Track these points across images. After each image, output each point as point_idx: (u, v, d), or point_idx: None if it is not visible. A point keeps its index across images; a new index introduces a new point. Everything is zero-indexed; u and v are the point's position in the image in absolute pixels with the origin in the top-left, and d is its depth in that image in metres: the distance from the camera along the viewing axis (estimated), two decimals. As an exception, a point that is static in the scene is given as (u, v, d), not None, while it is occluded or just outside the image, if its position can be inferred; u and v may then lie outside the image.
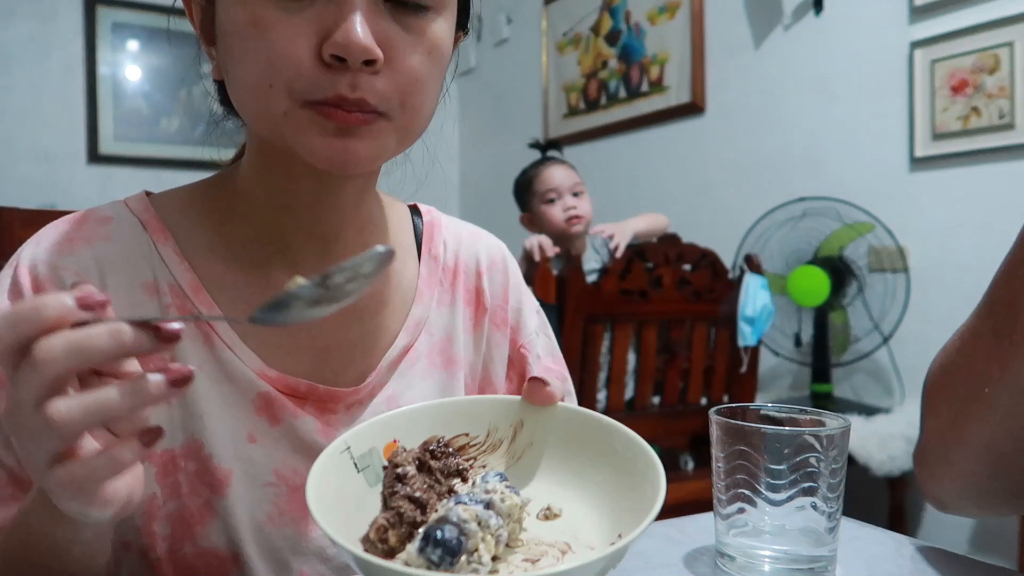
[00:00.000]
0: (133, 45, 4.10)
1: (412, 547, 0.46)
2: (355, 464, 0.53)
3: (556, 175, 2.55)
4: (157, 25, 4.12)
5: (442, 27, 0.64)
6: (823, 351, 2.65)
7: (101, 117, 4.01)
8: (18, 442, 0.44)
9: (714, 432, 0.64)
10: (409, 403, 0.71)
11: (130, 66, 4.10)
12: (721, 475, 0.63)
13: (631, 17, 3.70)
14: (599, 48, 3.89)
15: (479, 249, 0.85)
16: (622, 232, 2.43)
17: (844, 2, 2.77)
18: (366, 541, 0.48)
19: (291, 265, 0.71)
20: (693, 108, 3.36)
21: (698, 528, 0.72)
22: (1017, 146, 2.29)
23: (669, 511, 0.80)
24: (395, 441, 0.56)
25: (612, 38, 3.82)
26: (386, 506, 0.50)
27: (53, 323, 0.41)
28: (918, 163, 2.55)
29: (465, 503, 0.48)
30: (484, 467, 0.60)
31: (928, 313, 2.49)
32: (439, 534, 0.45)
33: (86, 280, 0.45)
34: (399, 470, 0.51)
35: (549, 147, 2.73)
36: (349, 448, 0.53)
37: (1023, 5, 2.23)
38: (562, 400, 0.62)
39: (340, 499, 0.50)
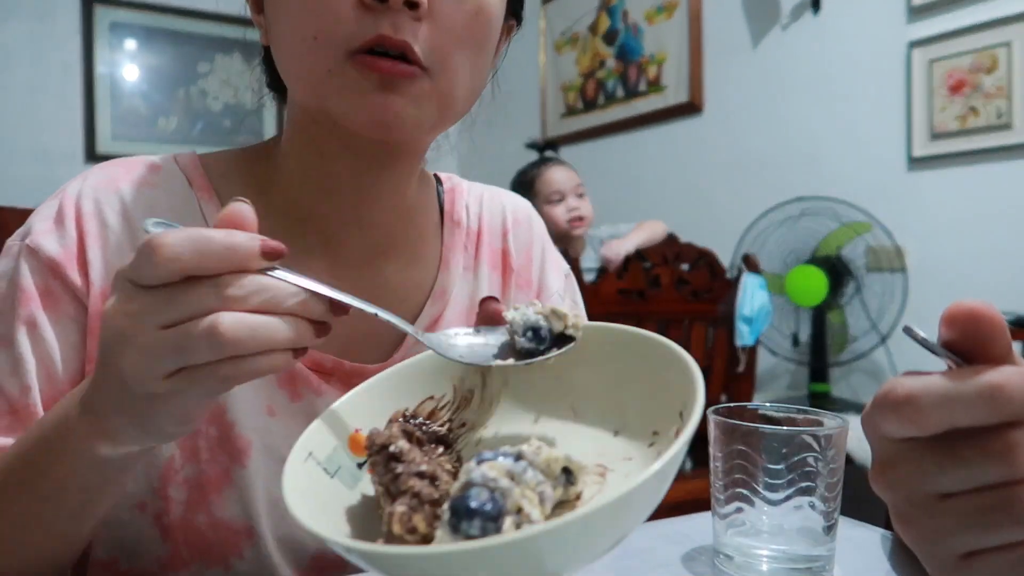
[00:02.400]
0: (131, 44, 4.10)
1: (441, 531, 0.38)
2: (325, 470, 0.47)
3: (560, 176, 2.56)
4: (155, 25, 4.12)
5: None
6: (821, 351, 2.65)
7: (99, 116, 4.00)
8: (140, 351, 0.42)
9: (712, 432, 0.63)
10: None
11: (128, 65, 4.09)
12: (719, 475, 0.63)
13: (629, 17, 3.70)
14: (597, 48, 3.89)
15: (504, 207, 0.84)
16: (618, 252, 2.40)
17: (842, 2, 2.77)
18: (392, 539, 0.41)
19: (330, 251, 0.70)
20: (691, 108, 3.37)
21: (696, 528, 0.72)
22: (1014, 146, 2.30)
23: (667, 510, 0.80)
24: (357, 431, 0.49)
25: (610, 37, 3.82)
26: (390, 493, 0.43)
27: (238, 265, 0.42)
28: (916, 163, 2.56)
29: (490, 459, 0.40)
30: (463, 425, 0.53)
31: (926, 313, 2.49)
32: (470, 503, 0.37)
33: (245, 200, 0.46)
34: (391, 448, 0.44)
35: (547, 147, 2.73)
36: (312, 454, 0.46)
37: (1021, 5, 2.23)
38: None
39: (325, 508, 0.44)
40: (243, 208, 0.45)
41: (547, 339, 0.49)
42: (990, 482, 0.37)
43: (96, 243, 0.64)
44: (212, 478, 0.64)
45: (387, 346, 0.72)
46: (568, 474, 0.42)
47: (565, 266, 0.87)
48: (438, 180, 0.83)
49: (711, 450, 0.64)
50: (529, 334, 0.49)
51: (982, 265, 2.38)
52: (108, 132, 4.02)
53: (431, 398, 0.53)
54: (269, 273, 0.44)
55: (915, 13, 2.54)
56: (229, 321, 0.41)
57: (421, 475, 0.42)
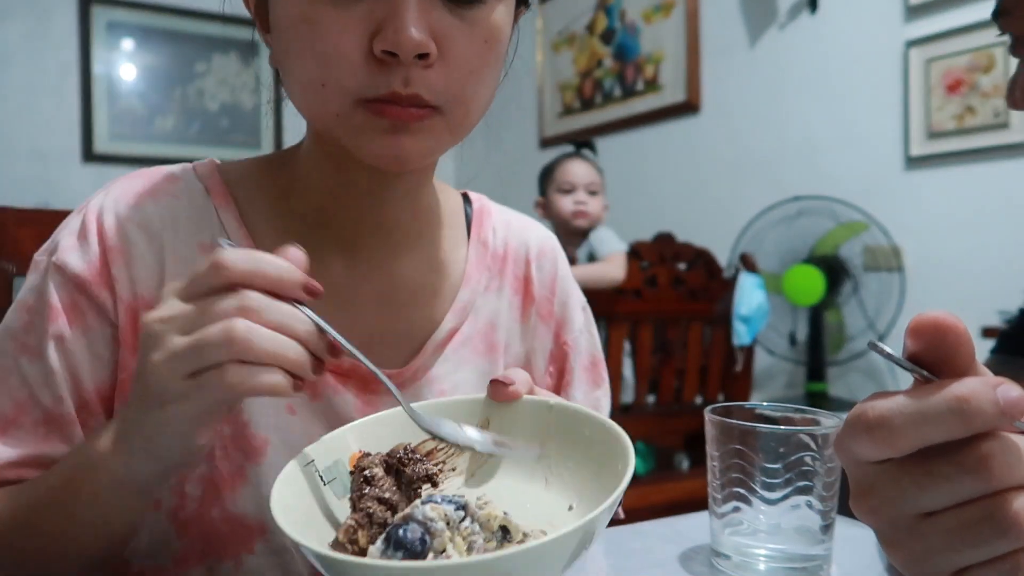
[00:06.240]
0: (128, 44, 4.09)
1: (375, 548, 0.45)
2: (320, 477, 0.53)
3: (577, 170, 2.60)
4: (152, 24, 4.11)
5: (500, 12, 0.62)
6: (818, 350, 2.66)
7: (96, 116, 3.99)
8: (164, 352, 0.48)
9: (709, 431, 0.64)
10: (452, 386, 0.73)
11: (125, 65, 4.08)
12: (716, 474, 0.63)
13: (626, 16, 3.70)
14: (594, 47, 3.89)
15: (528, 237, 0.84)
16: None
17: (839, 1, 2.77)
18: (336, 544, 0.48)
19: (347, 251, 0.72)
20: (688, 107, 3.37)
21: (693, 527, 0.72)
22: (1011, 145, 2.30)
23: (665, 510, 0.80)
24: (360, 451, 0.55)
25: (607, 37, 3.82)
26: (355, 509, 0.49)
27: (279, 287, 0.49)
28: (913, 162, 2.56)
29: (436, 502, 0.47)
30: (454, 470, 0.58)
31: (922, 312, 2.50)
32: (401, 533, 0.44)
33: (297, 247, 0.52)
34: (366, 472, 0.51)
35: (583, 145, 2.76)
36: (313, 461, 0.53)
37: (1017, 4, 2.23)
38: (550, 399, 0.60)
39: (309, 511, 0.51)
40: (299, 253, 0.52)
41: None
42: (969, 496, 0.37)
43: (120, 258, 0.66)
44: (226, 475, 0.66)
45: (405, 352, 0.74)
46: (505, 532, 0.47)
47: (583, 299, 0.88)
48: (468, 199, 0.85)
49: (708, 449, 0.64)
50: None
51: (979, 264, 2.38)
52: (105, 132, 4.02)
53: (433, 439, 0.57)
54: (295, 306, 0.50)
55: (912, 12, 2.54)
56: (243, 325, 0.47)
57: (381, 500, 0.49)
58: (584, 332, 0.85)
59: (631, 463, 0.48)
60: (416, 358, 0.73)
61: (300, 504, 0.50)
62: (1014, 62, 0.84)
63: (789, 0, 2.95)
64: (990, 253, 2.36)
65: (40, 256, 0.67)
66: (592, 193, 2.58)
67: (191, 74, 4.21)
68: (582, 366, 0.84)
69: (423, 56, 0.57)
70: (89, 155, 3.97)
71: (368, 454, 0.53)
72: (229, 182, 0.72)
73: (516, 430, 0.58)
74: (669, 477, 2.22)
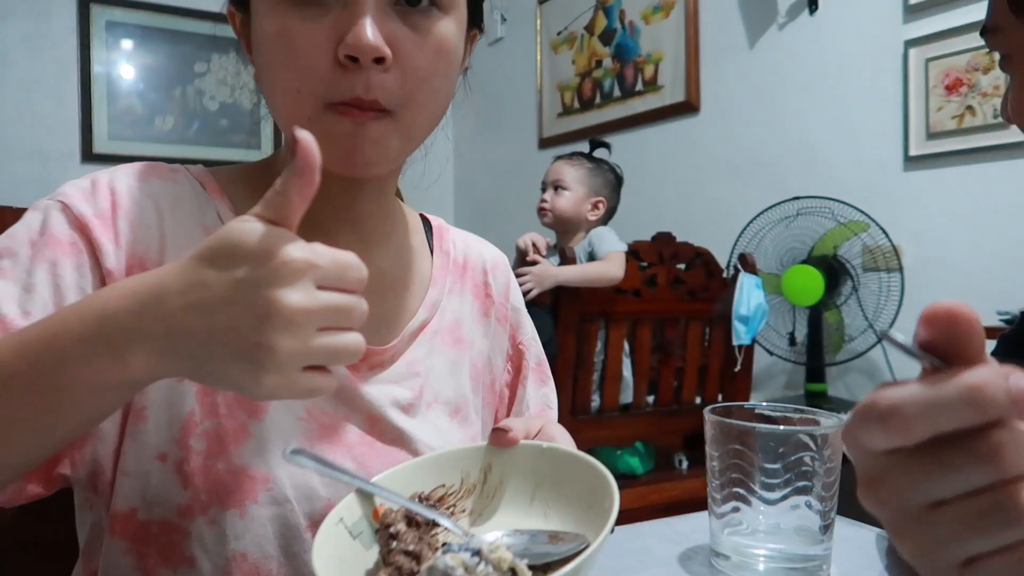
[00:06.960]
0: (127, 44, 4.09)
1: None
2: (349, 532, 0.59)
3: (550, 168, 2.59)
4: (151, 24, 4.11)
5: (449, 26, 0.70)
6: (817, 350, 2.66)
7: (95, 116, 3.99)
8: (302, 343, 0.50)
9: (709, 431, 0.64)
10: (427, 369, 0.82)
11: (124, 65, 4.08)
12: (716, 474, 0.63)
13: (625, 16, 3.70)
14: (593, 47, 3.89)
15: (483, 252, 0.96)
16: (541, 279, 2.17)
17: (838, 1, 2.77)
18: None
19: (328, 244, 0.78)
20: (688, 107, 3.37)
21: (693, 527, 0.72)
22: (1011, 145, 2.30)
23: (664, 510, 0.80)
24: (381, 505, 0.62)
25: (606, 37, 3.82)
26: (385, 563, 0.56)
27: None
28: (912, 162, 2.56)
29: (453, 551, 0.53)
30: (464, 511, 0.66)
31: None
32: None
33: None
34: (391, 529, 0.58)
35: (596, 146, 2.74)
36: (342, 519, 0.59)
37: (1017, 5, 2.23)
38: (528, 436, 0.69)
39: (343, 564, 0.57)
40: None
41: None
42: (981, 485, 0.37)
43: (126, 217, 0.70)
44: (230, 430, 0.70)
45: (383, 336, 0.81)
46: (514, 573, 0.54)
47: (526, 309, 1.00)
48: (427, 220, 0.94)
49: (707, 449, 0.64)
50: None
51: (979, 264, 2.38)
52: (105, 131, 4.02)
53: (443, 486, 0.66)
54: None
55: (911, 12, 2.54)
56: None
57: (407, 552, 0.56)
58: (532, 336, 0.97)
59: (616, 501, 0.55)
60: (394, 341, 0.81)
61: (335, 558, 0.56)
62: (1005, 75, 0.86)
63: (789, 0, 2.95)
64: (990, 253, 2.36)
65: (42, 201, 0.69)
66: (556, 189, 2.55)
67: (191, 74, 4.21)
68: (531, 366, 0.96)
69: (380, 60, 0.64)
70: (89, 155, 3.97)
71: (390, 510, 0.60)
72: (220, 181, 0.78)
73: (515, 471, 0.66)
74: (668, 477, 2.22)
